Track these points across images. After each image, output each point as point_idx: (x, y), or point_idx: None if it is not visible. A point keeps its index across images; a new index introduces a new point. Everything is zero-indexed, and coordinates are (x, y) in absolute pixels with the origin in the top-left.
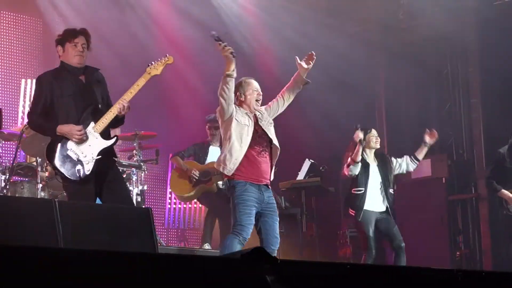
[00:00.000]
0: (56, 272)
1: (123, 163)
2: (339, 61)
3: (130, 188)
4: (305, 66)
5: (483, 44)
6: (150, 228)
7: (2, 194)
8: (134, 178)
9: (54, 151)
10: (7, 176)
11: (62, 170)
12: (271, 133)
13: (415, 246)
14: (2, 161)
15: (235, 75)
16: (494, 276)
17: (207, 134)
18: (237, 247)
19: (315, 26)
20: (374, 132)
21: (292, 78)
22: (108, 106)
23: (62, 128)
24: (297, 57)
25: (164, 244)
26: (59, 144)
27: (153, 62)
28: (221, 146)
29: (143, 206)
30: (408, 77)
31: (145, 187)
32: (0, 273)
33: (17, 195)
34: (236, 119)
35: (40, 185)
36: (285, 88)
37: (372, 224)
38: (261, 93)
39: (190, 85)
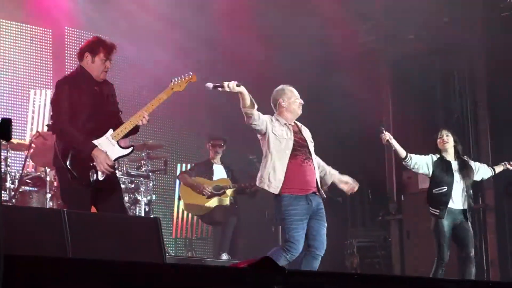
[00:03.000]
0: (64, 281)
1: (132, 173)
2: (345, 74)
3: (139, 198)
4: (347, 190)
5: (490, 54)
6: (158, 238)
7: (10, 204)
8: (143, 188)
9: (69, 153)
10: (16, 186)
11: (74, 171)
12: (311, 147)
13: (423, 257)
14: (11, 171)
15: (255, 107)
16: (501, 287)
17: (209, 153)
18: (282, 263)
19: (318, 37)
20: (442, 132)
21: (332, 177)
22: (117, 118)
23: (98, 154)
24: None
25: (172, 254)
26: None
27: (177, 78)
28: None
29: (151, 216)
30: (415, 88)
31: (154, 197)
32: (9, 283)
33: (25, 205)
34: (273, 133)
35: (48, 195)
36: (327, 172)
37: (450, 227)
38: (303, 102)
39: (201, 95)
